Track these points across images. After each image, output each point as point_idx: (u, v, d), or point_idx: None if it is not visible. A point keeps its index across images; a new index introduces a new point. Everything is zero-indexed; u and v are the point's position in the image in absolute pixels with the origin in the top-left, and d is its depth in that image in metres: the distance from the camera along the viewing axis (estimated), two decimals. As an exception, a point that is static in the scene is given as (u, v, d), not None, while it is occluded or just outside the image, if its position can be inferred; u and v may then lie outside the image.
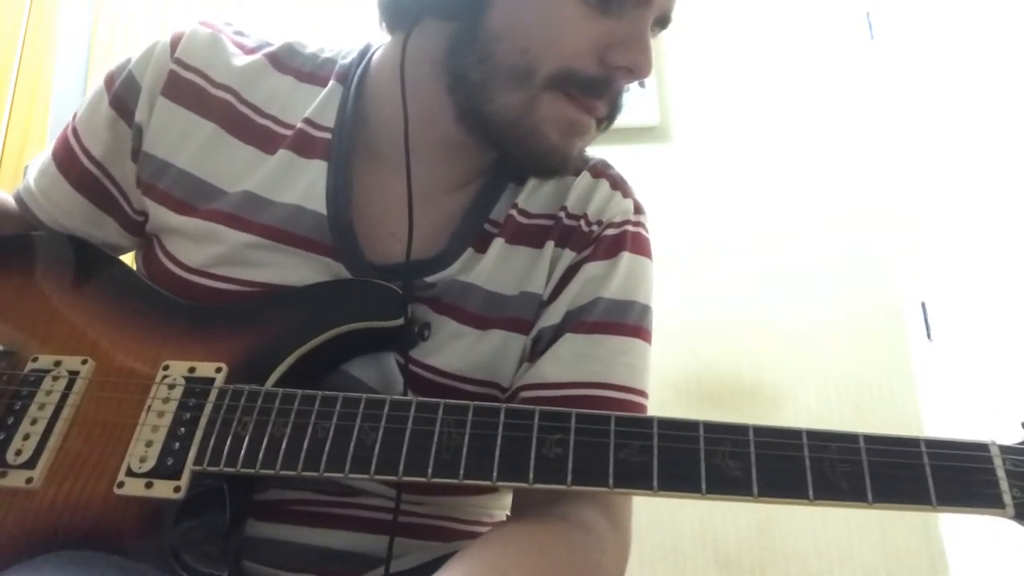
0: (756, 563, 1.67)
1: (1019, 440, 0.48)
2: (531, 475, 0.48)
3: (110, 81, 0.67)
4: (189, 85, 0.65)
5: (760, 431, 0.49)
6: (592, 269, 0.65)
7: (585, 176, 0.69)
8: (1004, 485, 0.46)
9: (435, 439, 0.50)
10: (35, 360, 0.57)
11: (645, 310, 0.67)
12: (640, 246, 0.69)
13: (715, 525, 1.69)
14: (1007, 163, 1.71)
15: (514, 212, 0.66)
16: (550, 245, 0.66)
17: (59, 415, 0.54)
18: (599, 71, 0.58)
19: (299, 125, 0.65)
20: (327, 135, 0.64)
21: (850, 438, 0.48)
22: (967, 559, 1.64)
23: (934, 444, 0.48)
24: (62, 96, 1.85)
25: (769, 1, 2.12)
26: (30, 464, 0.52)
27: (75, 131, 0.67)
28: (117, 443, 0.53)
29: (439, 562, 0.60)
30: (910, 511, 0.47)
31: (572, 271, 0.66)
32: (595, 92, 0.59)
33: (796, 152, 1.99)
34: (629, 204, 0.71)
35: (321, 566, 0.58)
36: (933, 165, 1.87)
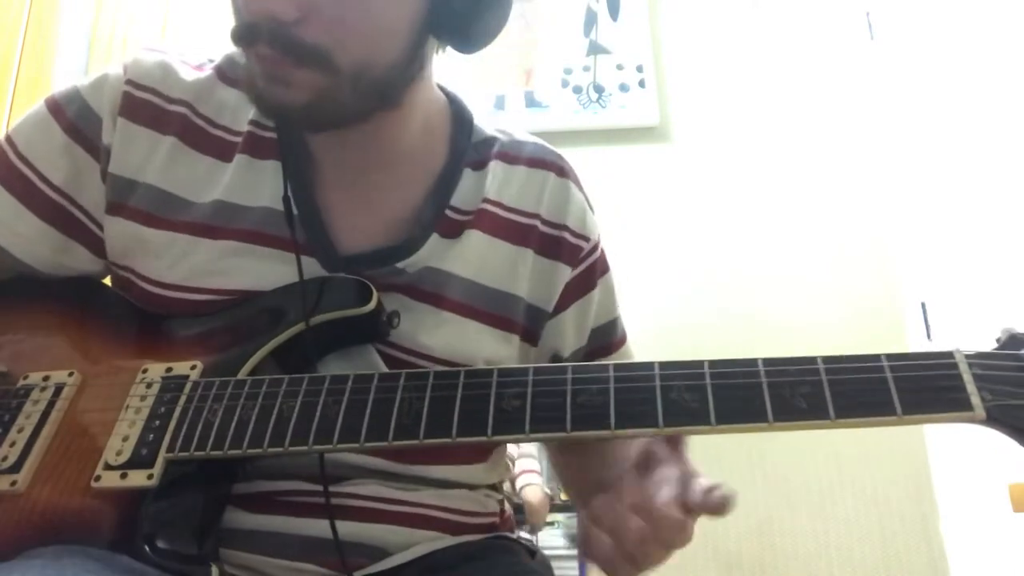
0: (756, 563, 1.67)
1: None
2: (490, 428, 0.49)
3: (56, 108, 0.66)
4: (145, 104, 0.66)
5: (716, 364, 0.49)
6: (595, 295, 0.72)
7: (551, 176, 0.71)
8: (972, 388, 0.45)
9: (396, 406, 0.51)
10: (26, 378, 0.60)
11: (620, 318, 0.76)
12: (608, 261, 0.76)
13: (715, 525, 1.68)
14: (1007, 163, 1.71)
15: (488, 205, 0.68)
16: (530, 252, 0.68)
17: (45, 422, 0.57)
18: (240, 19, 0.57)
19: (247, 128, 0.66)
20: (273, 135, 0.66)
21: (808, 360, 0.48)
22: (967, 559, 1.64)
23: (896, 357, 0.47)
24: (62, 96, 1.84)
25: (769, 1, 2.12)
26: (15, 468, 0.54)
27: (24, 159, 0.66)
28: (98, 442, 0.55)
29: (445, 553, 0.61)
30: (876, 426, 0.46)
31: (577, 292, 0.70)
32: (243, 41, 0.57)
33: (796, 152, 1.99)
34: (595, 216, 0.75)
35: (313, 555, 0.59)
36: (933, 165, 1.87)
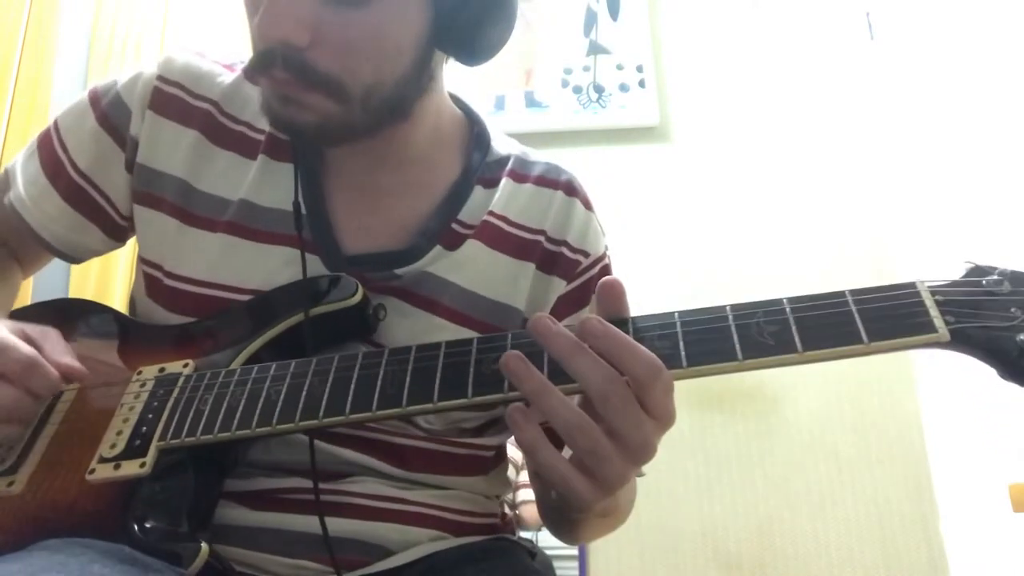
0: (756, 563, 1.67)
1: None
2: (470, 391, 0.50)
3: (95, 98, 0.71)
4: (172, 98, 0.69)
5: (685, 314, 0.50)
6: (587, 311, 0.71)
7: (559, 195, 0.72)
8: (935, 312, 0.46)
9: (380, 379, 0.53)
10: None
11: None
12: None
13: (715, 525, 1.69)
14: (1007, 162, 1.72)
15: (491, 218, 0.69)
16: (531, 267, 0.69)
17: (43, 426, 0.60)
18: (256, 48, 0.59)
19: (268, 129, 0.68)
20: (288, 138, 0.68)
21: (775, 303, 0.49)
22: (967, 559, 1.64)
23: (859, 291, 0.48)
24: (62, 96, 1.84)
25: (769, 1, 2.12)
26: (12, 471, 0.57)
27: (62, 143, 0.71)
28: (93, 440, 0.57)
29: (446, 554, 0.62)
30: (845, 357, 0.46)
31: (570, 306, 0.70)
32: (260, 67, 0.58)
33: (796, 152, 1.99)
34: (603, 234, 0.75)
35: (313, 552, 0.59)
36: (933, 165, 1.87)
